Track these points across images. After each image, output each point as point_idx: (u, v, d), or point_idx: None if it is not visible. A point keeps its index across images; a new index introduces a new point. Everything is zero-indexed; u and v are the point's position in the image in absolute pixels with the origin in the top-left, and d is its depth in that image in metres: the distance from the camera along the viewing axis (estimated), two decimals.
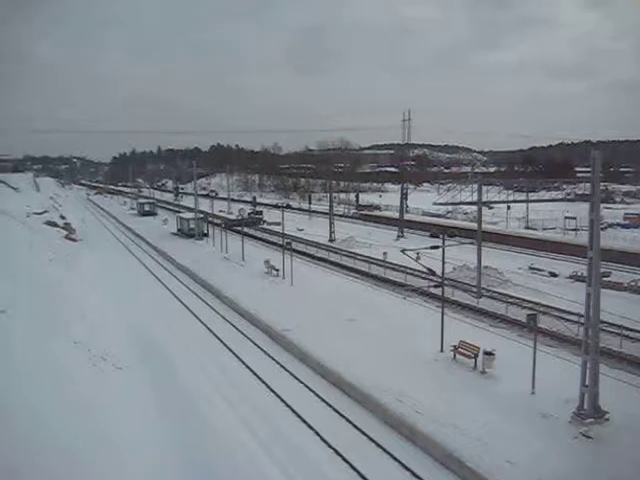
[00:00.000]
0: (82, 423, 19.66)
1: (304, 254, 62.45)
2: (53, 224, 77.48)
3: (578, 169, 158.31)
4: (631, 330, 31.46)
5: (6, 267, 39.18)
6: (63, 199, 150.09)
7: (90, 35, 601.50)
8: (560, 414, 21.18)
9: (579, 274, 45.45)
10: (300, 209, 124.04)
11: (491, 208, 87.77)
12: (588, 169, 22.16)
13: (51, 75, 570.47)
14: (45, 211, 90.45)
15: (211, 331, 35.40)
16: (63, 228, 77.83)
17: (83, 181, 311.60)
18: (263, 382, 26.81)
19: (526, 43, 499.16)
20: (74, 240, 71.80)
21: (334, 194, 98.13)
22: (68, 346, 27.49)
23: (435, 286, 35.44)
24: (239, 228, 66.22)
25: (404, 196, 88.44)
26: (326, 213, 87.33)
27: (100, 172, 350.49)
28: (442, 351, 28.46)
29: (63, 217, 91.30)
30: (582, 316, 23.34)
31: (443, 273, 31.24)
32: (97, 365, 26.52)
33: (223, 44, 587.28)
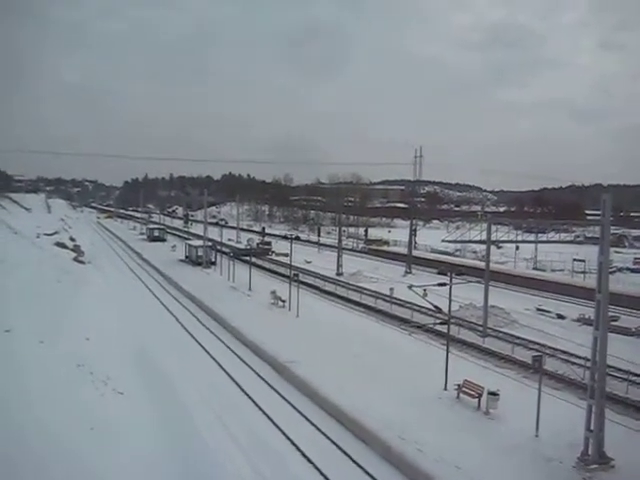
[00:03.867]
0: (91, 444, 19.62)
1: (311, 286, 62.35)
2: (62, 245, 78.11)
3: (588, 212, 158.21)
4: (638, 376, 31.12)
5: (14, 286, 39.43)
6: (73, 221, 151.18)
7: (107, 57, 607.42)
8: (564, 459, 20.90)
9: (587, 317, 45.10)
10: (309, 241, 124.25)
11: (500, 248, 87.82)
12: (598, 212, 22.18)
13: (68, 96, 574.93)
14: (55, 232, 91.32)
15: (215, 360, 35.27)
16: (72, 250, 78.29)
17: (94, 204, 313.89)
18: (263, 413, 26.64)
19: (540, 83, 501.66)
20: (82, 262, 72.09)
21: (343, 228, 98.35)
22: (71, 368, 27.46)
23: (441, 323, 35.33)
24: (247, 258, 66.38)
25: (413, 232, 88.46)
26: (335, 246, 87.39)
27: (111, 196, 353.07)
28: (446, 389, 28.23)
29: (73, 239, 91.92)
30: (588, 360, 23.18)
31: (450, 311, 31.16)
32: (99, 389, 26.42)
33: (237, 74, 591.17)
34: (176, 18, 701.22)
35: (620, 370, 31.05)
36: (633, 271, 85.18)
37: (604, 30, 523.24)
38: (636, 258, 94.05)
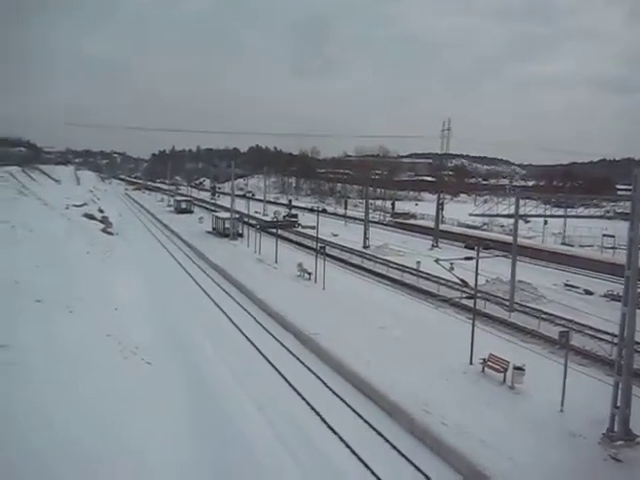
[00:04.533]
0: (120, 413, 20.00)
1: (337, 259, 62.52)
2: (91, 217, 78.97)
3: (619, 186, 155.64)
4: None
5: (44, 257, 39.98)
6: (102, 193, 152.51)
7: (132, 33, 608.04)
8: (589, 434, 20.84)
9: (615, 293, 44.71)
10: (335, 214, 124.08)
11: (527, 222, 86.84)
12: (629, 187, 21.83)
13: (96, 70, 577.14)
14: (84, 204, 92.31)
15: (241, 331, 35.63)
16: (100, 221, 79.08)
17: (122, 176, 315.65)
18: (291, 386, 26.87)
19: (569, 55, 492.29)
20: (110, 234, 72.77)
21: (370, 201, 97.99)
22: (101, 338, 27.87)
23: (467, 298, 35.23)
24: (274, 230, 66.58)
25: (440, 206, 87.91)
26: (361, 219, 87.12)
27: (139, 168, 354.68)
28: (471, 364, 28.21)
29: (101, 210, 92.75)
30: (616, 336, 23.00)
31: (476, 285, 31.06)
32: (128, 359, 26.80)
33: (262, 50, 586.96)
34: None
35: None
36: None
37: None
38: None
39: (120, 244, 66.32)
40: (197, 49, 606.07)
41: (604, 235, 74.33)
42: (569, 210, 53.55)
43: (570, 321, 36.65)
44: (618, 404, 20.75)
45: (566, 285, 51.94)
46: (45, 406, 18.38)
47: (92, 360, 24.23)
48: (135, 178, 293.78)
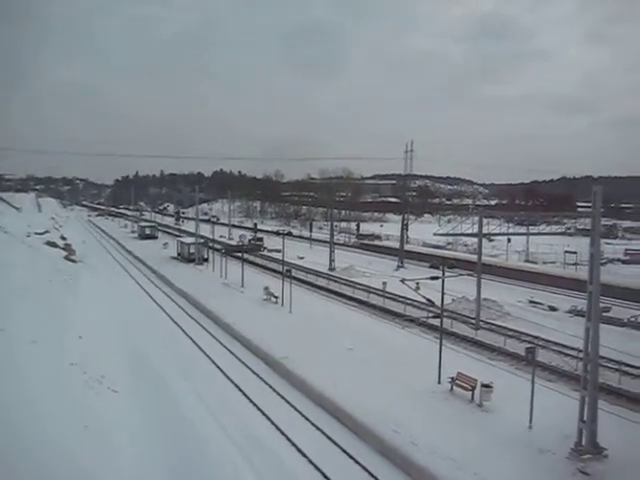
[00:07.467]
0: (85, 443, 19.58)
1: (304, 282, 62.33)
2: (53, 244, 77.57)
3: (579, 204, 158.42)
4: (630, 366, 31.31)
5: (5, 286, 39.22)
6: (64, 220, 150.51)
7: (92, 54, 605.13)
8: (558, 450, 21.03)
9: (579, 308, 45.30)
10: (301, 237, 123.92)
11: (491, 240, 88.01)
12: (589, 204, 22.25)
13: (57, 94, 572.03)
14: (46, 231, 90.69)
15: (209, 357, 35.28)
16: (63, 249, 77.79)
17: (85, 202, 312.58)
18: (258, 409, 26.67)
19: (529, 77, 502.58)
20: (74, 261, 71.73)
21: (335, 223, 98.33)
22: (65, 367, 27.36)
23: (434, 317, 35.39)
24: (239, 254, 66.30)
25: (405, 227, 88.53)
26: (327, 241, 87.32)
27: (102, 194, 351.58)
28: (440, 383, 28.32)
29: (64, 238, 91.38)
30: (581, 351, 23.29)
31: (442, 304, 31.22)
32: (93, 388, 26.32)
33: (228, 73, 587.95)
34: (169, 16, 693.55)
35: (612, 361, 31.22)
36: (624, 262, 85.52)
37: (592, 23, 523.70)
38: (627, 249, 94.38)
39: (84, 271, 65.41)
40: (161, 73, 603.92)
41: (566, 251, 75.50)
42: (531, 228, 54.17)
43: (536, 337, 37.05)
44: (585, 418, 20.98)
45: (531, 302, 52.50)
46: (6, 442, 17.90)
47: (56, 391, 23.76)
48: (98, 204, 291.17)
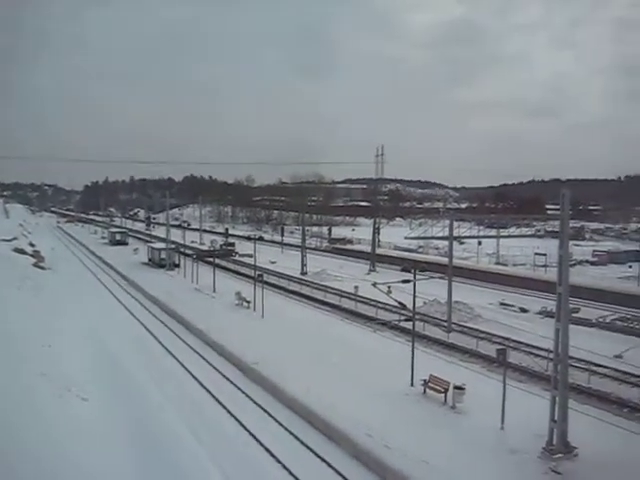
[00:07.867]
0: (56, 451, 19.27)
1: (276, 286, 62.28)
2: (21, 251, 76.58)
3: (548, 206, 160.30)
4: (599, 366, 31.73)
5: None
6: (33, 226, 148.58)
7: (64, 61, 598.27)
8: (529, 449, 21.18)
9: (548, 310, 45.76)
10: (272, 241, 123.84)
11: (462, 243, 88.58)
12: (558, 206, 22.49)
13: (25, 99, 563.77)
14: (14, 238, 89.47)
15: (180, 363, 34.94)
16: (32, 256, 76.84)
17: (54, 209, 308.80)
18: (232, 415, 26.46)
19: (498, 81, 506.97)
20: (43, 268, 70.91)
21: (307, 227, 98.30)
22: (34, 378, 26.92)
23: (406, 320, 35.52)
24: (211, 259, 66.03)
25: (376, 230, 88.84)
26: (298, 246, 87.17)
27: (72, 200, 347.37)
28: (412, 385, 28.39)
29: (32, 244, 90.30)
30: (551, 351, 23.50)
31: (414, 307, 31.32)
32: (62, 397, 25.94)
33: (202, 76, 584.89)
34: (143, 18, 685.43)
35: (582, 361, 31.63)
36: (592, 263, 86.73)
37: (557, 27, 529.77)
38: (595, 251, 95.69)
39: (53, 278, 64.72)
40: (132, 78, 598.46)
41: (536, 254, 76.41)
42: (502, 230, 54.92)
43: (507, 339, 37.39)
44: (556, 418, 21.18)
45: (501, 304, 52.91)
46: None
47: (25, 401, 23.36)
48: (67, 210, 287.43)
